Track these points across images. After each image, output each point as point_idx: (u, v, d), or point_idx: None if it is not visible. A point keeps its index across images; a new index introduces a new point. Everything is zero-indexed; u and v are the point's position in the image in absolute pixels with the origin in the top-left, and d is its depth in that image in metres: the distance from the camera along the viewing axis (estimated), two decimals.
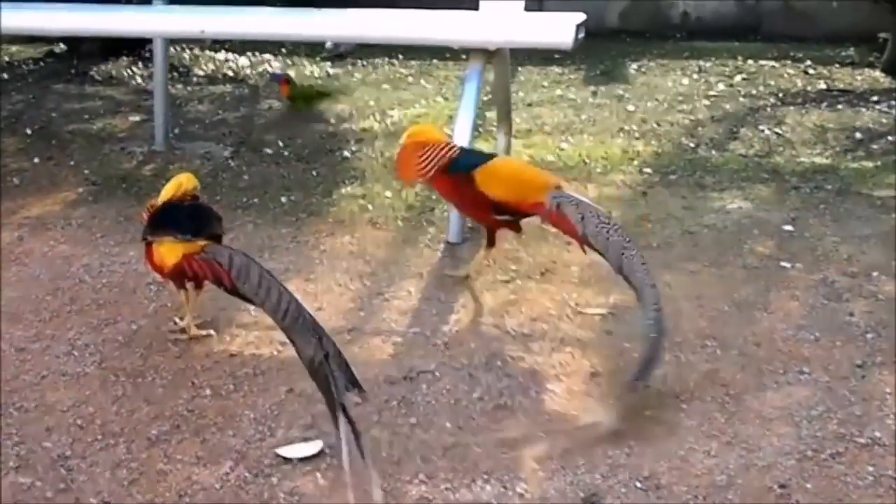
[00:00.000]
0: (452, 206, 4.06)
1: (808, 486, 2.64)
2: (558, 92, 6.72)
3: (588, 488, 2.63)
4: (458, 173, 3.63)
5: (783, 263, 3.94)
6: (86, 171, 5.17)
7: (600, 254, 3.32)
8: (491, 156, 3.85)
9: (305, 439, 2.83)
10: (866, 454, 2.76)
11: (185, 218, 3.30)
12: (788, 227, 4.30)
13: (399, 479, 2.67)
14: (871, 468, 2.70)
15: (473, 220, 4.01)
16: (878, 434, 2.84)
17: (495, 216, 3.67)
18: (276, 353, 3.32)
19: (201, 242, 3.17)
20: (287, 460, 2.74)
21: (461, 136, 4.20)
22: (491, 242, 3.78)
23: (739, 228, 4.30)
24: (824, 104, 6.11)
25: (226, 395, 3.06)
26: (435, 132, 3.87)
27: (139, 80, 7.02)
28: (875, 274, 3.79)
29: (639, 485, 2.64)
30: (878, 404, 2.98)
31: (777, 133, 5.62)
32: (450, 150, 3.69)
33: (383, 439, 2.84)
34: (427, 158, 3.66)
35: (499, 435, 2.86)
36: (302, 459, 2.75)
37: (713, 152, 5.34)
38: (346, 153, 5.41)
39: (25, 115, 6.23)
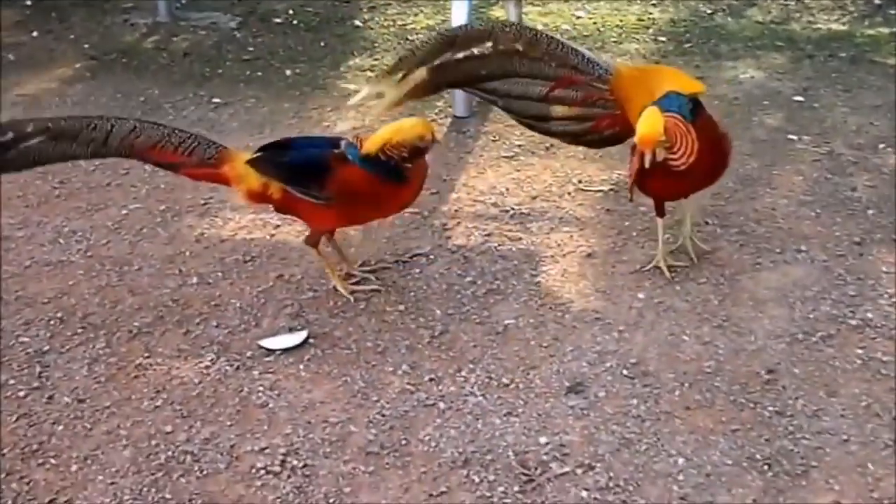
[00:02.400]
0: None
1: (796, 370, 2.60)
2: None
3: (574, 377, 2.60)
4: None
5: (791, 136, 3.82)
6: (85, 46, 5.05)
7: None
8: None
9: (291, 329, 2.81)
10: (857, 336, 2.71)
11: None
12: (799, 98, 4.16)
13: (382, 370, 2.65)
14: (860, 350, 2.66)
15: None
16: (870, 315, 2.79)
17: None
18: (268, 237, 3.27)
19: None
20: (270, 352, 2.72)
21: (460, 11, 4.04)
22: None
23: (750, 99, 4.16)
24: None
25: (213, 283, 3.03)
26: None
27: None
28: (881, 146, 3.68)
29: (625, 372, 2.61)
30: (873, 283, 2.92)
31: None
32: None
33: (370, 328, 2.81)
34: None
35: (488, 321, 2.81)
36: (285, 350, 2.72)
37: (729, 19, 5.14)
38: (358, 22, 5.25)
39: None
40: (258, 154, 2.83)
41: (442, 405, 2.52)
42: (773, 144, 3.76)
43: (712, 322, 2.78)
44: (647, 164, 2.67)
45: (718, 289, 2.92)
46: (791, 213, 3.29)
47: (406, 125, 2.75)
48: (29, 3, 5.66)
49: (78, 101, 4.39)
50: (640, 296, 2.91)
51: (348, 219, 2.92)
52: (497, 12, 5.21)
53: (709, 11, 5.22)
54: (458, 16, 4.07)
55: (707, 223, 3.26)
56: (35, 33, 5.21)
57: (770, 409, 2.48)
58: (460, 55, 3.02)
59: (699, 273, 3.00)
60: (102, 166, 3.80)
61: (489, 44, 3.02)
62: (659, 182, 2.84)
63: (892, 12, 5.08)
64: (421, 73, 2.97)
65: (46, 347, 2.79)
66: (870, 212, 3.27)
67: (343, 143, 2.80)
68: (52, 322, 2.88)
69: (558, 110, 3.09)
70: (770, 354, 2.66)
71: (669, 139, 2.68)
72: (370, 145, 2.73)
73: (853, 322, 2.76)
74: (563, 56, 2.99)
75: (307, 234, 2.93)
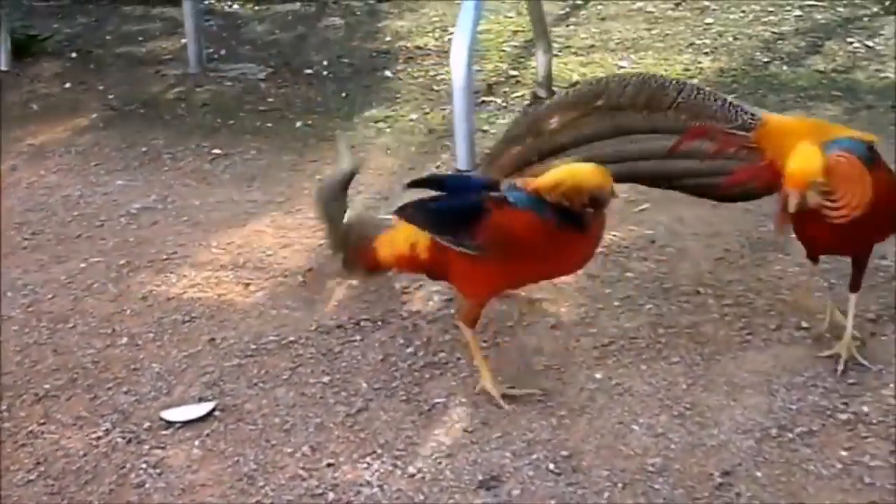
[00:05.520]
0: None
1: (759, 473, 2.18)
2: (639, 4, 6.14)
3: (491, 469, 2.23)
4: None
5: None
6: (110, 97, 4.94)
7: None
8: None
9: (201, 399, 2.52)
10: (844, 434, 2.28)
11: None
12: None
13: (280, 451, 2.33)
14: (844, 452, 2.22)
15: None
16: (865, 409, 2.35)
17: None
18: (216, 296, 3.02)
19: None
20: (170, 424, 2.44)
21: (458, 60, 3.74)
22: None
23: None
24: None
25: (141, 345, 2.78)
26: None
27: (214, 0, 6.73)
28: None
29: (552, 466, 2.23)
30: (880, 370, 2.48)
31: (867, 46, 4.94)
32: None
33: (285, 401, 2.51)
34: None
35: (415, 400, 2.47)
36: (186, 423, 2.43)
37: (785, 68, 4.73)
38: (389, 73, 5.03)
39: (80, 38, 6.05)
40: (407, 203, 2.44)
41: (331, 496, 2.19)
42: None
43: (673, 410, 2.39)
44: (791, 208, 2.22)
45: (691, 370, 2.52)
46: (800, 284, 2.87)
47: (584, 170, 2.33)
48: (74, 55, 5.61)
49: (81, 151, 4.25)
50: (598, 375, 2.53)
51: (512, 276, 2.43)
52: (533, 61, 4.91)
53: (765, 60, 4.82)
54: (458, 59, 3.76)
55: (699, 292, 2.86)
56: (68, 84, 5.14)
57: None
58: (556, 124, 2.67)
59: (673, 350, 2.61)
60: (80, 217, 3.63)
61: (599, 101, 2.65)
62: (815, 230, 2.38)
63: None
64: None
65: None
66: None
67: (505, 185, 2.42)
68: None
69: (687, 165, 2.67)
70: (732, 452, 2.24)
71: (831, 183, 2.23)
72: (544, 184, 2.32)
73: (843, 416, 2.33)
74: (698, 104, 2.58)
75: (461, 307, 2.47)
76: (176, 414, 2.47)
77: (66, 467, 2.33)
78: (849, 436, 2.27)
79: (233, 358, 2.70)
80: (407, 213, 2.42)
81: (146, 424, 2.46)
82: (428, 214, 2.38)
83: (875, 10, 5.53)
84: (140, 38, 5.93)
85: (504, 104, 4.51)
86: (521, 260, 2.32)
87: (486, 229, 2.30)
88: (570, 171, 2.31)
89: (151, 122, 4.54)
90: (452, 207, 2.37)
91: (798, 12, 5.63)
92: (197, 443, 2.38)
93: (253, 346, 2.74)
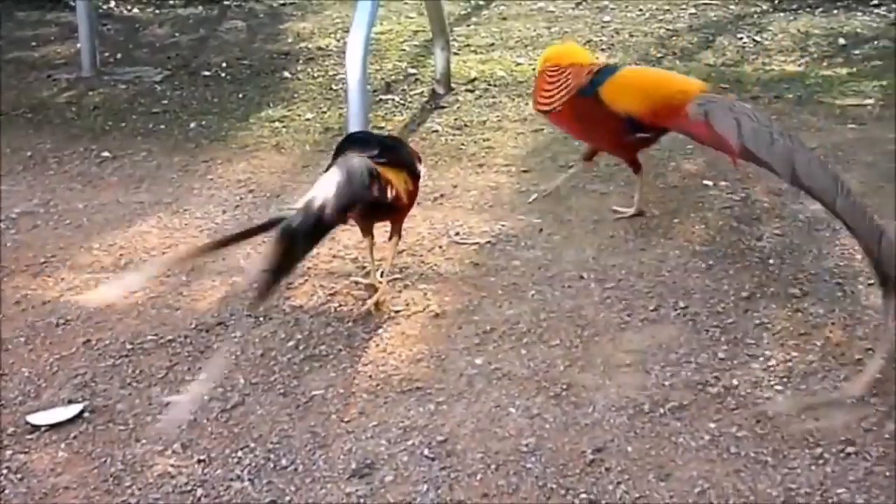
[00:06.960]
0: (580, 139, 3.41)
1: (629, 448, 2.18)
2: (540, 4, 6.18)
3: (365, 457, 2.20)
4: (580, 98, 3.07)
5: (706, 182, 3.43)
6: None
7: (765, 166, 2.68)
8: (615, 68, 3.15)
9: (70, 401, 2.44)
10: (714, 407, 2.29)
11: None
12: None
13: (151, 450, 2.27)
14: (712, 424, 2.23)
15: (605, 150, 3.27)
16: (735, 382, 2.36)
17: (630, 136, 3.05)
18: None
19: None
20: (35, 428, 2.36)
21: (353, 57, 3.70)
22: (636, 167, 3.18)
23: (673, 144, 3.76)
24: (819, 10, 5.48)
25: (11, 350, 2.70)
26: (576, 54, 3.23)
27: (112, 4, 6.62)
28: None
29: (427, 452, 2.21)
30: (751, 344, 2.50)
31: (756, 41, 5.04)
32: (585, 73, 3.11)
33: (158, 401, 2.45)
34: (553, 87, 3.16)
35: (293, 392, 2.43)
36: (53, 426, 2.36)
37: (678, 62, 4.79)
38: (288, 73, 5.00)
39: None
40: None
41: (200, 492, 2.14)
42: (683, 191, 3.37)
43: (550, 391, 2.38)
44: None
45: (570, 352, 2.52)
46: (680, 266, 2.89)
47: None
48: None
49: None
50: (478, 361, 2.51)
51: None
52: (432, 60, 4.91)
53: (658, 56, 4.87)
54: (353, 56, 3.72)
55: (582, 277, 2.86)
56: None
57: (583, 496, 2.06)
58: None
59: (554, 334, 2.60)
60: None
61: None
62: None
63: (857, 52, 4.70)
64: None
65: None
66: (770, 261, 2.85)
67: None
68: None
69: None
70: (605, 429, 2.24)
71: None
72: None
73: (714, 390, 2.34)
74: None
75: (396, 227, 2.85)
76: (42, 417, 2.39)
77: None
78: (718, 408, 2.28)
79: (107, 359, 2.63)
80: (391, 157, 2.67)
81: (10, 430, 2.38)
82: (400, 155, 2.72)
83: (764, 7, 5.63)
84: (33, 44, 5.82)
85: (402, 101, 4.50)
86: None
87: (416, 156, 2.84)
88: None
89: (39, 127, 4.44)
90: (403, 146, 2.86)
91: (692, 10, 5.72)
92: (63, 446, 2.31)
93: (129, 346, 2.67)
